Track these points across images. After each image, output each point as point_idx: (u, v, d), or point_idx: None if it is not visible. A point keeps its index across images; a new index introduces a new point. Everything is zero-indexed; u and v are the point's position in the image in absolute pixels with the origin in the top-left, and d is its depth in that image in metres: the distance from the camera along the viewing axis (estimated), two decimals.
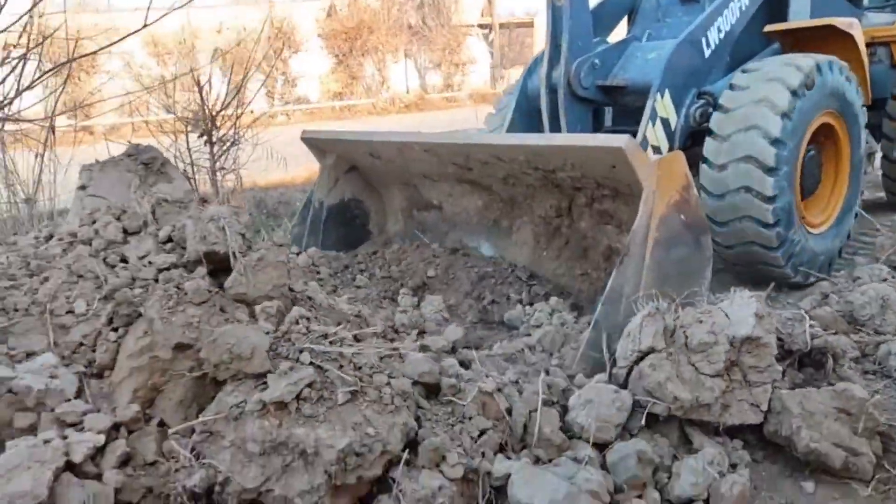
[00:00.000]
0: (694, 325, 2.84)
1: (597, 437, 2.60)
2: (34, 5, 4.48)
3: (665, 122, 4.47)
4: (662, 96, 4.40)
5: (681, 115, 4.55)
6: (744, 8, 4.90)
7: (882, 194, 6.74)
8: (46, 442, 2.27)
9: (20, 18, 4.37)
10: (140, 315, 2.73)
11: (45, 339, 2.85)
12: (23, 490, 2.15)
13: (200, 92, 6.26)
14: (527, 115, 5.02)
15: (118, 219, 3.45)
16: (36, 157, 5.56)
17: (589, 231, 4.15)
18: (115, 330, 2.81)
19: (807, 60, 4.41)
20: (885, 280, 3.90)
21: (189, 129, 6.27)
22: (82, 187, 3.76)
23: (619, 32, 5.72)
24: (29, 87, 4.51)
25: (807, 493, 2.62)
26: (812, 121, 4.46)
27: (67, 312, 2.96)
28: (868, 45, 5.36)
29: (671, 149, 4.45)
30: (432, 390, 2.63)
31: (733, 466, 2.67)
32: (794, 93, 4.24)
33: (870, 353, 3.50)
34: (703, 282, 3.53)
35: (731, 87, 4.45)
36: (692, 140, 4.67)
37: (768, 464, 2.78)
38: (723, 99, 4.41)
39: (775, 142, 4.17)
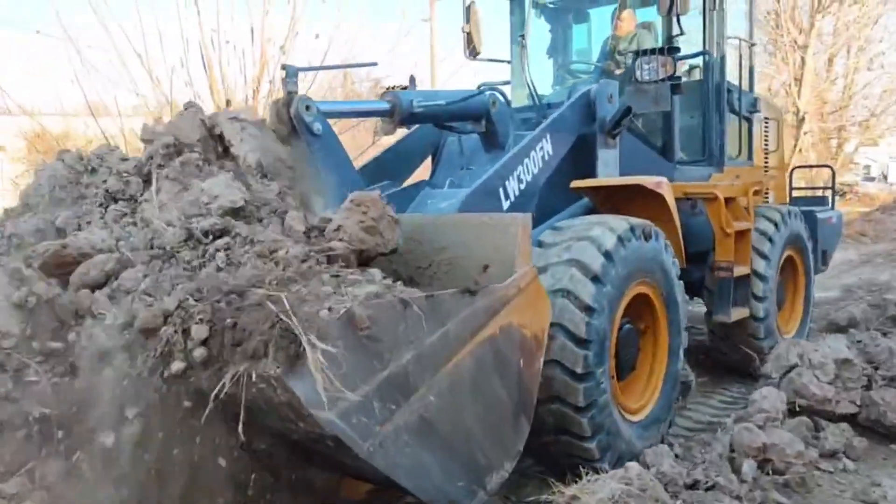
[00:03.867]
0: (811, 352, 4.61)
1: (774, 417, 4.23)
2: None
3: None
4: None
5: None
6: (546, 157, 4.41)
7: None
8: None
9: None
10: None
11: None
12: None
13: None
14: None
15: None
16: None
17: None
18: None
19: (620, 222, 4.01)
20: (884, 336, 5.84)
21: None
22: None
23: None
24: None
25: (894, 450, 4.33)
26: (626, 290, 3.97)
27: None
28: (686, 198, 5.28)
29: None
30: None
31: (849, 438, 4.36)
32: (607, 255, 3.78)
33: (889, 384, 5.35)
34: (505, 458, 2.81)
35: (540, 244, 3.93)
36: None
37: (864, 438, 4.46)
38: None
39: (587, 309, 3.63)
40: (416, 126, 5.09)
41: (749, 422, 3.98)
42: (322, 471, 2.88)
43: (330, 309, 2.19)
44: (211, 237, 2.84)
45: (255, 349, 2.16)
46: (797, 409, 4.44)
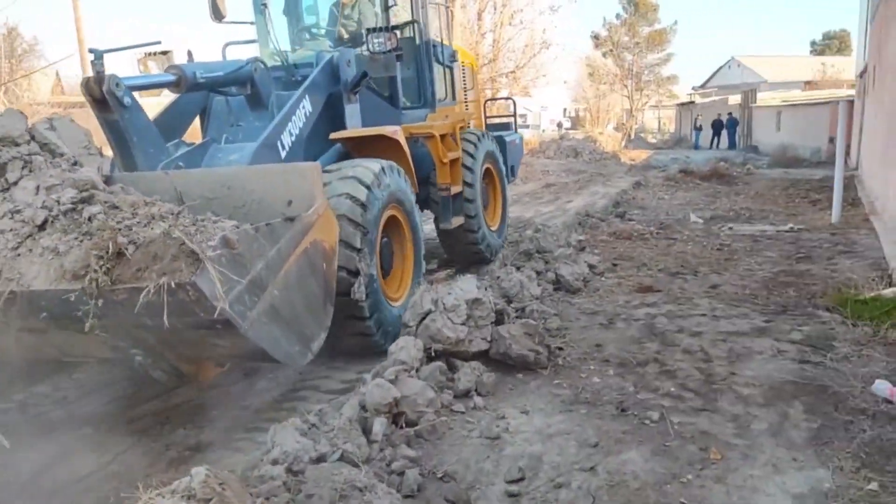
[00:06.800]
0: (445, 295, 4.67)
1: (410, 367, 4.21)
2: None
3: None
4: None
5: None
6: (308, 114, 5.76)
7: None
8: None
9: None
10: None
11: None
12: None
13: None
14: None
15: None
16: None
17: None
18: None
19: (375, 165, 5.36)
20: (518, 270, 6.27)
21: None
22: None
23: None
24: None
25: (519, 379, 4.60)
26: (382, 213, 5.31)
27: None
28: (410, 137, 6.68)
29: None
30: None
31: (480, 375, 4.53)
32: (368, 187, 5.07)
33: (520, 315, 5.76)
34: (321, 330, 3.98)
35: (328, 171, 5.08)
36: None
37: (494, 372, 4.68)
38: None
39: (363, 206, 4.95)
40: None
41: (382, 377, 3.87)
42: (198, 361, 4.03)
43: (213, 235, 3.17)
44: (80, 205, 3.46)
45: (168, 266, 2.97)
46: (434, 353, 4.49)
